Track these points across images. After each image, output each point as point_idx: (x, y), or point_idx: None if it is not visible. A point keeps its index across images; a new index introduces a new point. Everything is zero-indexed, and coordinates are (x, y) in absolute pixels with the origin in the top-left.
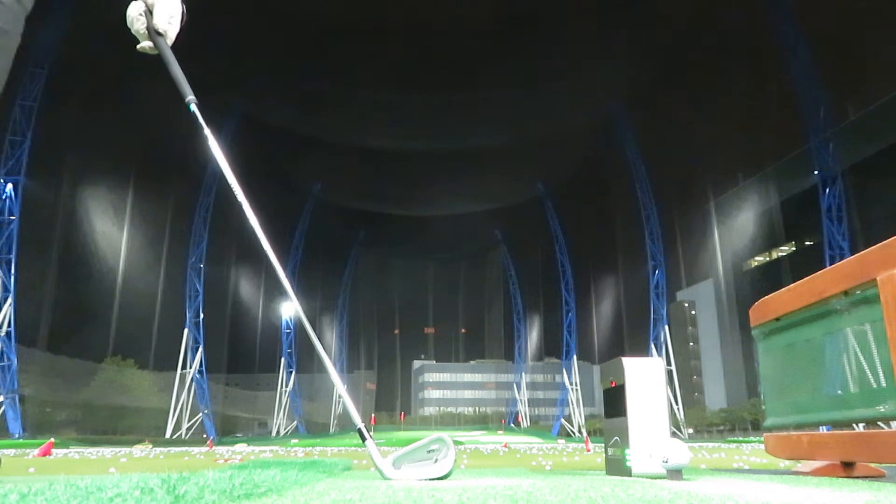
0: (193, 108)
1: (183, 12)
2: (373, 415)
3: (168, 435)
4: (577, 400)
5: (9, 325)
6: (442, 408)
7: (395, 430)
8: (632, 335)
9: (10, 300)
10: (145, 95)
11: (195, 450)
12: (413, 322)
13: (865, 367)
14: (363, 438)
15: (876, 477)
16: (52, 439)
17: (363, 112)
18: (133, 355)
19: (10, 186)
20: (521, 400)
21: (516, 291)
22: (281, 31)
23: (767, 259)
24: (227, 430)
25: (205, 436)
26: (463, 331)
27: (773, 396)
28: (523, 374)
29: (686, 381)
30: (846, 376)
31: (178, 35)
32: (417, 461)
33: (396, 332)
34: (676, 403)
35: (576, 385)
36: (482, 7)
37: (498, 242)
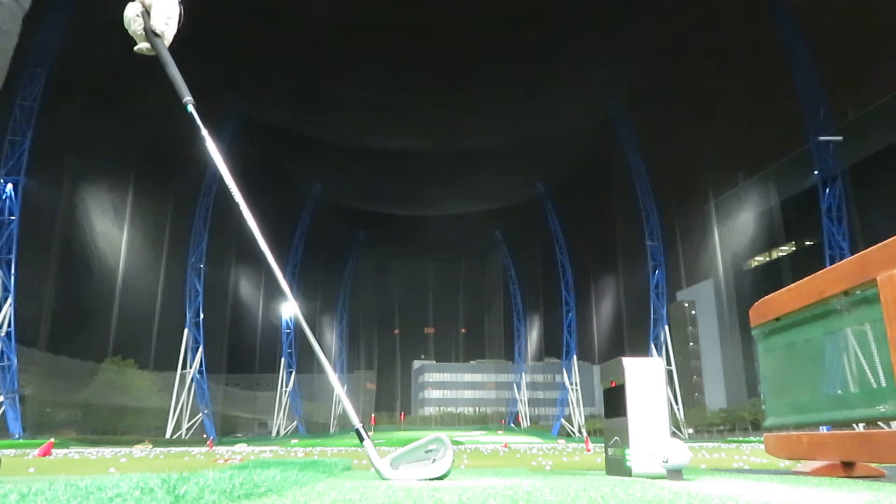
0: (191, 108)
1: (181, 13)
2: (373, 415)
3: (168, 435)
4: (577, 400)
5: (9, 325)
6: (442, 408)
7: (395, 430)
8: (632, 335)
9: (10, 300)
10: (145, 95)
11: (195, 450)
12: (413, 322)
13: (865, 367)
14: (361, 439)
15: (876, 477)
16: (52, 439)
17: (363, 112)
18: (133, 355)
19: (10, 186)
20: (521, 400)
21: (516, 291)
22: (281, 31)
23: (767, 259)
24: (227, 431)
25: (205, 436)
26: (463, 331)
27: (773, 396)
28: (523, 374)
29: (686, 381)
30: (846, 376)
31: (176, 36)
32: (415, 461)
33: (396, 332)
34: (676, 403)
35: (576, 385)
36: (482, 7)
37: (498, 242)
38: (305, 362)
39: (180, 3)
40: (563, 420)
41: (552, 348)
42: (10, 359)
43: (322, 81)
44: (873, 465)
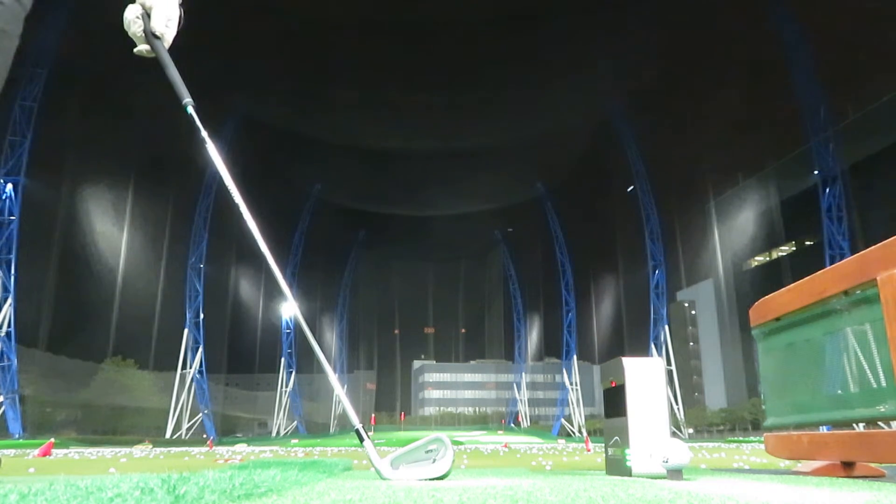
0: (191, 110)
1: (181, 15)
2: (373, 415)
3: (168, 435)
4: (577, 400)
5: (9, 326)
6: (442, 408)
7: (396, 430)
8: (632, 335)
9: (10, 300)
10: (146, 95)
11: (195, 450)
12: (413, 322)
13: (865, 366)
14: (361, 439)
15: (876, 477)
16: (52, 439)
17: (363, 112)
18: (133, 355)
19: (10, 186)
20: (521, 400)
21: (516, 291)
22: (281, 31)
23: (767, 259)
24: (227, 431)
25: (205, 436)
26: (463, 331)
27: (773, 396)
28: (523, 374)
29: (686, 381)
30: (846, 376)
31: (176, 38)
32: (415, 461)
33: (396, 332)
34: (676, 403)
35: (576, 385)
36: (483, 7)
37: (498, 242)
38: (305, 362)
39: (181, 4)
40: (563, 420)
41: (552, 348)
42: (10, 359)
43: (322, 81)
44: (873, 465)
